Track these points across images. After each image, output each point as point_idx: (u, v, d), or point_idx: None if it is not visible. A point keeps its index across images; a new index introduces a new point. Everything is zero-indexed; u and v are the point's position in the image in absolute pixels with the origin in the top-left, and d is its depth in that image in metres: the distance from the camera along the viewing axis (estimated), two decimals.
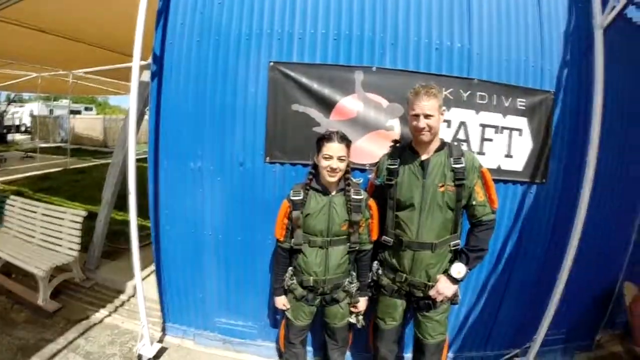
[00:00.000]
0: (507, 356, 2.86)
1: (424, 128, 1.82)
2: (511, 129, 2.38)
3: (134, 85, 2.38)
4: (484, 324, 2.76)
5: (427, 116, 1.81)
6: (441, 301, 2.00)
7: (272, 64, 2.36)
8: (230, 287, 2.68)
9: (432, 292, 1.97)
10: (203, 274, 2.69)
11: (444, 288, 1.95)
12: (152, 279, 2.96)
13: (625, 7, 2.49)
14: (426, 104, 1.80)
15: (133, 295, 3.32)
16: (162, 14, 2.51)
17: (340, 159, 1.90)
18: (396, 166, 1.97)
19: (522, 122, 2.40)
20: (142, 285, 2.55)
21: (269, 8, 2.42)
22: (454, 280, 1.95)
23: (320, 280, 2.03)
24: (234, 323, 2.74)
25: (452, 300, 2.06)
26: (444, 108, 1.90)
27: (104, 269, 3.71)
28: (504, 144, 2.39)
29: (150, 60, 2.58)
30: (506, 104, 2.36)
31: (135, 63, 2.34)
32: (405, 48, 2.35)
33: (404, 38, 2.35)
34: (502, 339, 2.86)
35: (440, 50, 2.36)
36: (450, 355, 2.80)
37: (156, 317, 2.93)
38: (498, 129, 2.36)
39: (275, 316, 2.65)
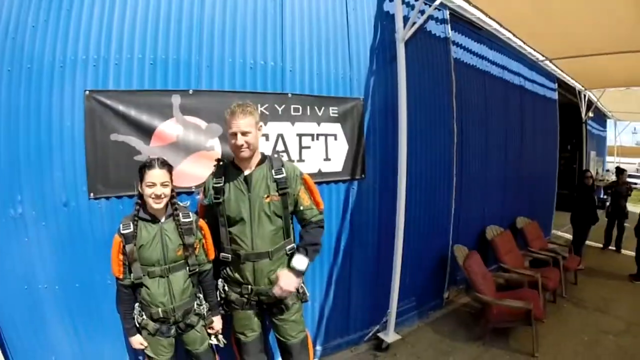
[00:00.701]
0: (369, 334, 3.19)
1: (242, 145, 1.92)
2: (327, 135, 2.67)
3: None
4: (340, 311, 3.02)
5: (244, 133, 1.90)
6: (291, 301, 2.12)
7: (87, 92, 2.24)
8: (83, 340, 2.44)
9: (275, 290, 2.04)
10: (50, 333, 2.39)
11: (286, 283, 2.03)
12: None
13: (425, 22, 2.99)
14: (242, 122, 1.90)
15: None
16: None
17: (163, 184, 1.90)
18: (221, 184, 2.04)
19: (336, 128, 2.71)
20: None
21: (84, 32, 2.28)
22: (297, 273, 2.04)
23: (169, 310, 2.00)
24: None
25: (302, 298, 2.20)
26: (260, 124, 2.02)
27: None
28: (322, 149, 2.66)
29: None
30: (320, 113, 2.64)
31: None
32: (220, 69, 2.45)
33: (219, 60, 2.44)
34: (362, 319, 3.17)
35: (254, 69, 2.52)
36: (318, 348, 2.99)
37: None
38: (314, 137, 2.63)
39: (137, 358, 2.53)
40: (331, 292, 2.94)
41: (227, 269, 2.16)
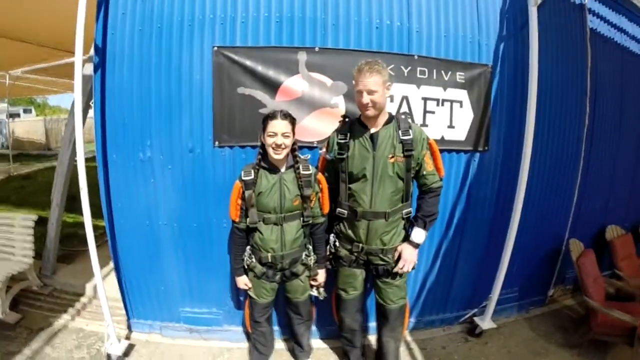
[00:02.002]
0: (466, 316, 3.04)
1: (367, 103, 1.87)
2: (452, 101, 2.49)
3: (77, 79, 2.27)
4: (441, 287, 2.91)
5: (370, 92, 1.85)
6: (401, 268, 2.08)
7: (216, 48, 2.33)
8: (191, 275, 2.67)
9: (400, 265, 2.06)
10: (162, 265, 2.66)
11: (409, 255, 2.06)
12: (111, 278, 2.90)
13: None
14: (369, 81, 1.85)
15: (94, 297, 3.23)
16: (103, 3, 2.42)
17: (284, 135, 1.92)
18: (346, 140, 2.03)
19: (462, 95, 2.51)
20: (102, 284, 2.50)
21: None
22: (416, 246, 2.06)
23: (278, 256, 2.07)
24: (198, 311, 2.74)
25: None
26: (389, 83, 1.94)
27: (61, 273, 3.58)
28: (446, 116, 2.49)
29: (92, 52, 2.48)
30: (446, 78, 2.45)
31: (78, 56, 2.24)
32: (346, 28, 2.38)
33: (344, 18, 2.38)
34: (460, 300, 3.03)
35: (380, 28, 2.41)
36: (412, 320, 2.93)
37: (120, 315, 2.87)
38: (439, 102, 2.46)
39: (239, 298, 2.68)
40: (436, 265, 2.82)
41: (341, 224, 2.16)
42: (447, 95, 2.47)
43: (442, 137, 2.50)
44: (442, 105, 2.46)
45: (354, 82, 1.96)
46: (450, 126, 2.51)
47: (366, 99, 1.86)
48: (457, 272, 2.91)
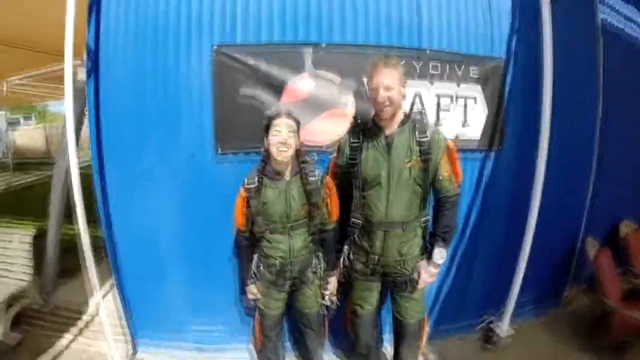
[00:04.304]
0: (481, 324, 2.91)
1: (384, 102, 1.72)
2: (466, 98, 2.37)
3: (68, 85, 2.14)
4: (457, 296, 2.78)
5: (387, 88, 1.70)
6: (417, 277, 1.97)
7: (216, 47, 2.21)
8: (196, 290, 2.54)
9: (420, 285, 1.96)
10: (166, 280, 2.53)
11: (430, 277, 1.96)
12: (115, 293, 2.76)
13: None
14: (386, 76, 1.71)
15: (97, 314, 3.08)
16: (94, 3, 2.29)
17: (290, 131, 1.79)
18: (359, 143, 1.87)
19: (476, 90, 2.39)
20: (104, 302, 2.37)
21: None
22: (437, 266, 1.94)
23: (287, 262, 1.97)
24: (205, 328, 2.60)
25: None
26: (405, 80, 1.80)
27: (62, 289, 3.40)
28: (460, 113, 2.38)
29: (84, 56, 2.35)
30: (459, 73, 2.35)
31: (68, 61, 2.11)
32: (353, 22, 2.27)
33: (351, 12, 2.27)
34: (475, 307, 2.90)
35: (389, 22, 2.30)
36: (428, 330, 2.78)
37: (125, 333, 2.72)
38: (453, 99, 2.35)
39: (247, 313, 2.54)
40: (451, 273, 2.70)
41: (356, 236, 2.01)
42: (461, 92, 2.36)
43: (457, 137, 2.38)
44: (456, 102, 2.35)
45: (366, 79, 1.82)
46: (465, 124, 2.40)
47: (382, 96, 1.70)
48: (473, 279, 2.79)
